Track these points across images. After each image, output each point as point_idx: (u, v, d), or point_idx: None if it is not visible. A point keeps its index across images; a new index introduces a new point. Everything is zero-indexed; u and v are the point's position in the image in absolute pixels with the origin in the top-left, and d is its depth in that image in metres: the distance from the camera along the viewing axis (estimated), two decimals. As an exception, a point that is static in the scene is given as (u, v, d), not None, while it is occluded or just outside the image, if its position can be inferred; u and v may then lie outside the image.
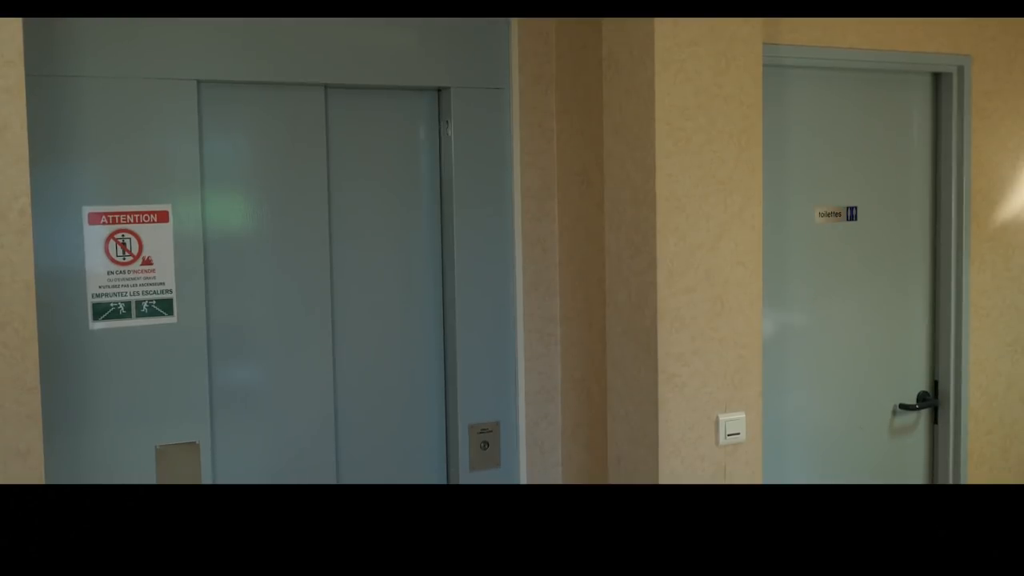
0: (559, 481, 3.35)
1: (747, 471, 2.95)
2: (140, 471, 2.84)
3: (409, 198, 3.21)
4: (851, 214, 3.54)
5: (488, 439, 3.25)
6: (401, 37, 3.06)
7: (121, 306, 2.77)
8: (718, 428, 2.90)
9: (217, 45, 2.86)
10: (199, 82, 2.84)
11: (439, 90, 3.18)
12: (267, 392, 3.04)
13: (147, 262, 2.80)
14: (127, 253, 2.77)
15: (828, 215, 3.51)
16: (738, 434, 2.92)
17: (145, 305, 2.80)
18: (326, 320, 3.09)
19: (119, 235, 2.77)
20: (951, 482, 3.71)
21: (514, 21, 3.18)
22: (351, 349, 3.16)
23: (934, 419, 3.76)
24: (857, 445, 3.62)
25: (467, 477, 3.23)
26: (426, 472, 3.29)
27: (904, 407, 3.69)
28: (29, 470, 2.36)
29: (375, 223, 3.17)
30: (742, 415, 2.92)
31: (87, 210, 2.74)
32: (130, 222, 2.78)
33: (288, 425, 3.05)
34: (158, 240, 2.81)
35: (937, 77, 3.65)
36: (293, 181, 3.03)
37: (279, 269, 3.04)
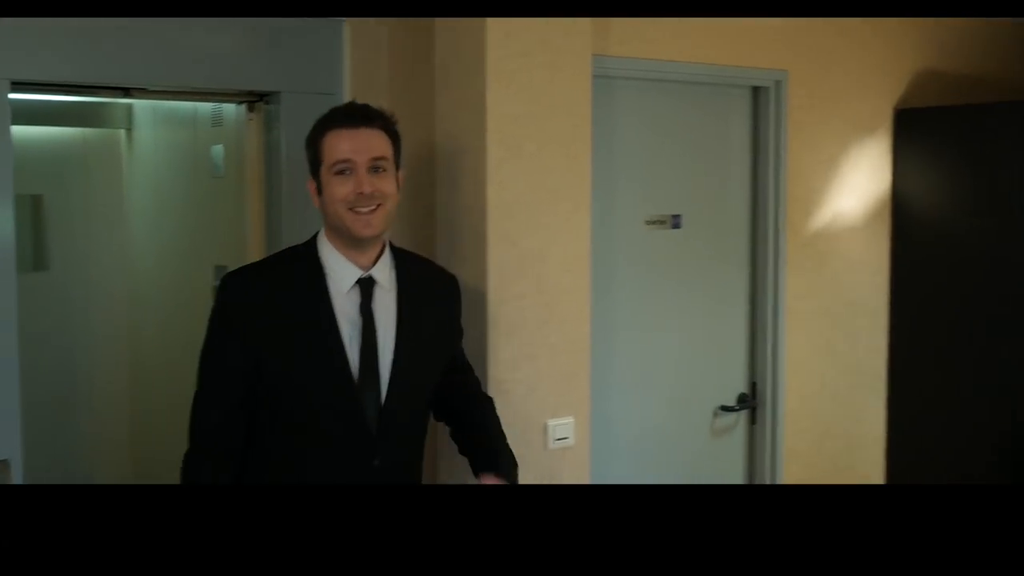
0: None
1: (575, 475, 3.01)
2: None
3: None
4: (676, 222, 3.65)
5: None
6: (229, 39, 2.98)
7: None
8: (547, 433, 2.94)
9: (35, 43, 2.72)
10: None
11: (269, 95, 3.12)
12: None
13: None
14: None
15: (654, 223, 3.60)
16: (566, 438, 2.97)
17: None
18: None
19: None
20: (768, 480, 3.86)
21: (346, 25, 3.15)
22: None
23: (752, 419, 3.91)
24: (680, 446, 3.73)
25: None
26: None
27: (725, 408, 3.82)
28: None
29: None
30: (571, 420, 2.98)
31: None
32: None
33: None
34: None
35: (756, 91, 3.80)
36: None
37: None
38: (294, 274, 2.34)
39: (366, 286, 2.33)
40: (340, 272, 2.33)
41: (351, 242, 2.32)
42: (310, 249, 2.38)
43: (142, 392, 4.35)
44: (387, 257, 2.41)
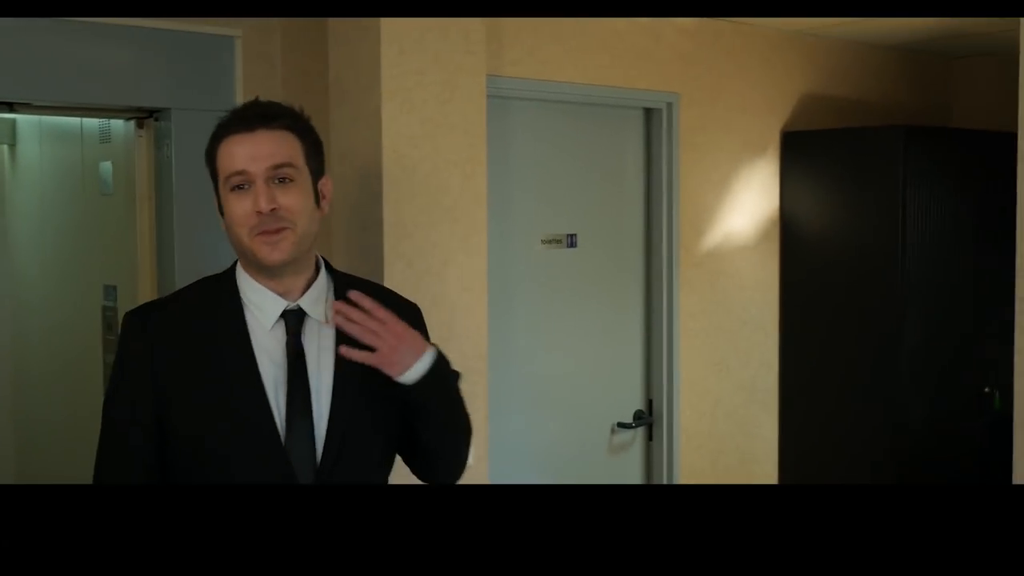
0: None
1: (474, 494, 3.00)
2: None
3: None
4: (571, 241, 3.68)
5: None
6: (118, 54, 2.92)
7: None
8: (445, 453, 2.93)
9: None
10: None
11: (159, 111, 3.06)
12: None
13: None
14: None
15: (550, 242, 3.63)
16: (465, 458, 2.96)
17: None
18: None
19: None
20: (664, 496, 3.90)
21: (238, 41, 3.11)
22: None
23: (649, 436, 3.95)
24: (579, 463, 3.75)
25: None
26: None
27: (622, 425, 3.86)
28: None
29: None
30: (469, 439, 2.97)
31: None
32: None
33: None
34: None
35: (649, 112, 3.85)
36: None
37: None
38: (207, 309, 1.93)
39: (293, 320, 1.91)
40: (261, 305, 1.91)
41: (263, 270, 1.91)
42: (228, 278, 1.96)
43: (28, 404, 4.22)
44: (322, 284, 1.97)
